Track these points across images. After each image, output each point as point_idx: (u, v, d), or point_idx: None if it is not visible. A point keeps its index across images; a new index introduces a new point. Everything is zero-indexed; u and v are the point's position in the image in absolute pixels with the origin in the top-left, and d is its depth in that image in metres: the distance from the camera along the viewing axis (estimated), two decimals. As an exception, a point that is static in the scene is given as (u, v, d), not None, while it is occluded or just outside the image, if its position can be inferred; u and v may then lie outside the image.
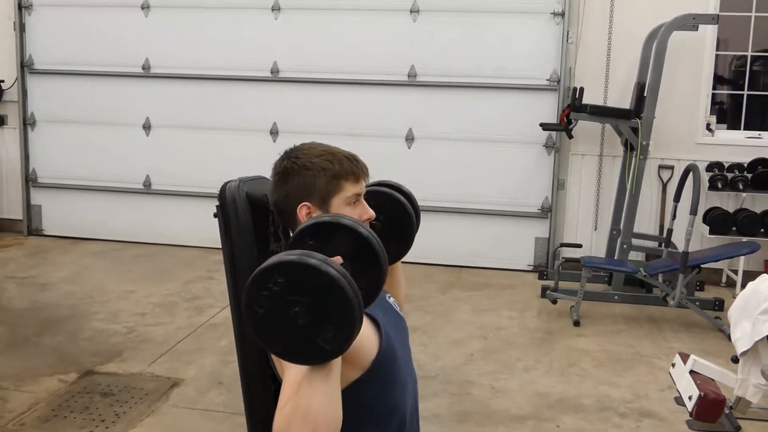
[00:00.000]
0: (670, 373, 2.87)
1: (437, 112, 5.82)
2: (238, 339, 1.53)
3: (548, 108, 5.63)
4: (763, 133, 5.56)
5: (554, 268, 5.24)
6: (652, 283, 4.79)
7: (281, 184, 1.54)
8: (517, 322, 4.64)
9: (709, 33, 5.35)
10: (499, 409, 3.43)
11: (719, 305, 4.80)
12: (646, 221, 5.55)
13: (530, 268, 5.83)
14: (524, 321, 4.68)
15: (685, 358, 2.76)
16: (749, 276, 5.33)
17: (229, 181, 1.55)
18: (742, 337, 2.54)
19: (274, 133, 6.11)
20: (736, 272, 5.34)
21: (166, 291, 5.06)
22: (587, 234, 5.74)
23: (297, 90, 6.00)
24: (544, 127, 5.43)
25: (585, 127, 5.50)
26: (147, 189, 6.38)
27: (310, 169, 1.51)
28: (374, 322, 1.49)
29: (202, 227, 6.28)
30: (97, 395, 3.42)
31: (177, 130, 6.27)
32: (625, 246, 5.02)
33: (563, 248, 5.63)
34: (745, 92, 5.64)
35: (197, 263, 5.78)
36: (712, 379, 2.65)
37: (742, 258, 5.13)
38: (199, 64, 6.11)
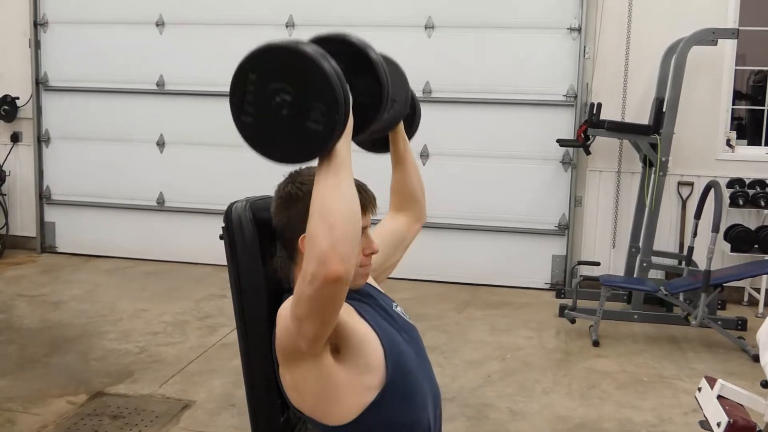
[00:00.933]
0: (696, 397, 2.76)
1: (452, 128, 5.76)
2: (244, 356, 1.47)
3: (565, 124, 5.55)
4: (785, 149, 5.46)
5: (572, 287, 5.14)
6: (673, 302, 4.68)
7: (283, 210, 1.47)
8: (536, 342, 4.54)
9: (728, 47, 5.26)
10: (518, 434, 3.34)
11: (742, 325, 4.68)
12: (665, 239, 5.43)
13: (547, 286, 5.72)
14: (542, 341, 4.57)
15: (712, 382, 2.65)
16: (773, 295, 5.24)
17: (235, 202, 1.49)
18: (772, 362, 2.43)
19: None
20: (758, 290, 5.21)
21: (178, 309, 5.00)
22: (605, 252, 5.64)
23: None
24: (562, 143, 5.36)
25: (603, 144, 5.41)
26: (160, 206, 6.35)
27: None
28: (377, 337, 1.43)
29: (215, 244, 6.26)
30: (107, 418, 3.36)
31: (190, 147, 6.25)
32: (644, 264, 4.91)
33: (581, 266, 5.53)
34: (767, 107, 5.54)
35: (209, 281, 5.73)
36: (741, 405, 2.55)
37: (765, 276, 5.01)
38: (213, 81, 6.08)
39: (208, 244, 6.21)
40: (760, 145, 5.63)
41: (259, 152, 1.21)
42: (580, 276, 5.22)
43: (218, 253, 6.31)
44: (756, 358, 4.22)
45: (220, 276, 5.83)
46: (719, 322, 4.55)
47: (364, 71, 1.27)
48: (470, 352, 4.36)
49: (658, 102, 4.92)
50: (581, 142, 5.19)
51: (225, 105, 5.64)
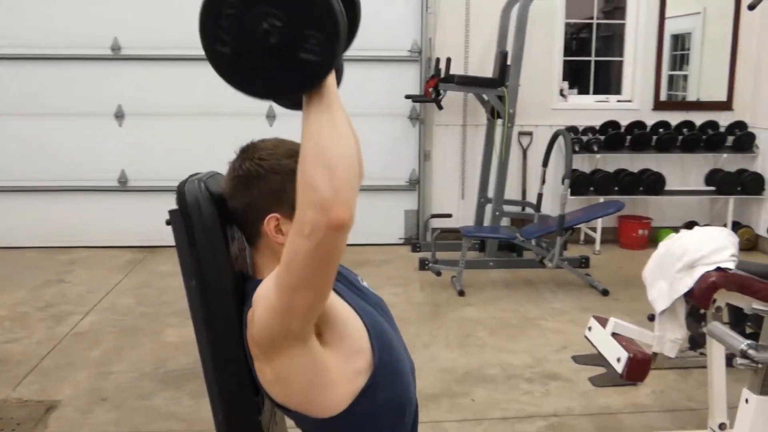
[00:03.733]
0: (586, 336, 2.93)
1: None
2: (210, 357, 1.29)
3: (411, 79, 5.59)
4: (611, 97, 5.89)
5: (429, 240, 5.24)
6: (528, 247, 4.92)
7: (242, 190, 1.30)
8: (404, 298, 4.60)
9: (558, 1, 5.54)
10: (411, 390, 3.36)
11: (585, 262, 5.05)
12: (508, 187, 5.68)
13: (402, 241, 5.81)
14: (410, 296, 4.64)
15: (602, 321, 2.82)
16: (606, 232, 5.70)
17: (187, 180, 1.29)
18: (659, 297, 2.62)
19: (119, 116, 5.57)
20: (594, 230, 5.64)
21: (13, 300, 4.47)
22: (454, 203, 5.81)
23: (143, 68, 5.50)
24: (414, 99, 5.39)
25: (448, 98, 5.49)
26: (-29, 186, 5.61)
27: (279, 173, 1.30)
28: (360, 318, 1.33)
29: (43, 225, 5.71)
30: (-43, 433, 2.93)
31: (1, 118, 5.54)
32: (497, 213, 5.12)
33: (433, 219, 5.67)
34: (593, 58, 5.94)
35: (42, 266, 5.18)
36: (632, 339, 2.74)
37: (599, 216, 5.43)
38: (26, 42, 5.42)
39: (33, 225, 5.64)
40: (577, 93, 6.06)
41: (237, 87, 1.04)
42: (438, 229, 5.35)
43: (47, 235, 5.75)
44: (605, 293, 4.59)
45: (53, 259, 5.33)
46: (565, 262, 4.87)
47: None
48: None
49: (502, 56, 5.09)
50: (430, 96, 5.25)
51: (41, 69, 5.12)
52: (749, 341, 1.87)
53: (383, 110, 5.64)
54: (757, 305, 1.84)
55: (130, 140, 5.57)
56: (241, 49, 0.99)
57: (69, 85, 5.48)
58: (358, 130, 5.34)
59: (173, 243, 1.27)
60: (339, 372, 1.26)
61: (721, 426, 2.74)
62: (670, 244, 2.64)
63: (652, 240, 5.72)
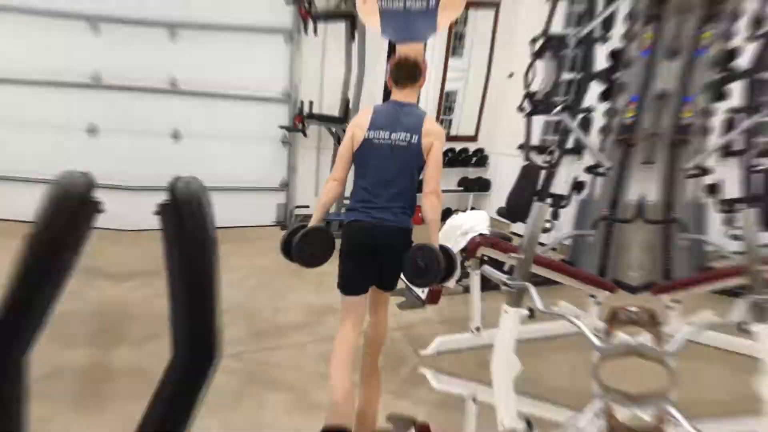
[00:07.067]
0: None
1: (201, 116, 5.35)
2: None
3: (282, 114, 5.58)
4: (413, 133, 6.23)
5: (292, 223, 5.26)
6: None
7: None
8: (276, 261, 4.53)
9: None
10: (284, 323, 3.42)
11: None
12: (346, 189, 5.78)
13: (274, 223, 5.79)
14: (280, 259, 4.54)
15: (410, 268, 3.06)
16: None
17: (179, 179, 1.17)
18: (444, 252, 2.90)
19: None
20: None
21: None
22: (311, 199, 5.86)
23: None
24: (287, 129, 5.41)
25: (308, 129, 5.54)
26: None
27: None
28: None
29: None
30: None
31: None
32: (342, 207, 5.26)
33: (297, 209, 5.72)
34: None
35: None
36: (428, 279, 3.00)
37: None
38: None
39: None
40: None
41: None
42: (300, 215, 5.42)
43: None
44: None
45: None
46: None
47: None
48: (231, 275, 4.24)
49: (345, 101, 5.24)
50: (296, 128, 5.30)
51: None
52: (507, 276, 2.17)
53: (263, 136, 5.58)
54: (514, 255, 2.14)
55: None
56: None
57: None
58: (246, 151, 5.10)
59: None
60: None
61: (477, 328, 3.10)
62: (452, 221, 2.95)
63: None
